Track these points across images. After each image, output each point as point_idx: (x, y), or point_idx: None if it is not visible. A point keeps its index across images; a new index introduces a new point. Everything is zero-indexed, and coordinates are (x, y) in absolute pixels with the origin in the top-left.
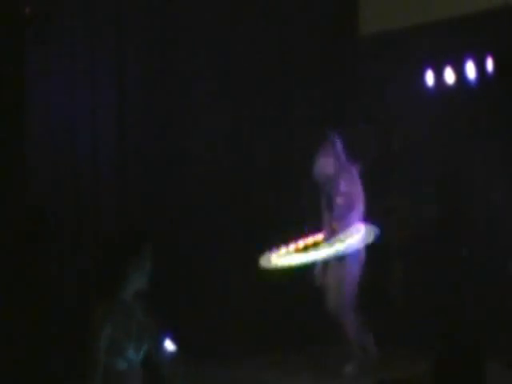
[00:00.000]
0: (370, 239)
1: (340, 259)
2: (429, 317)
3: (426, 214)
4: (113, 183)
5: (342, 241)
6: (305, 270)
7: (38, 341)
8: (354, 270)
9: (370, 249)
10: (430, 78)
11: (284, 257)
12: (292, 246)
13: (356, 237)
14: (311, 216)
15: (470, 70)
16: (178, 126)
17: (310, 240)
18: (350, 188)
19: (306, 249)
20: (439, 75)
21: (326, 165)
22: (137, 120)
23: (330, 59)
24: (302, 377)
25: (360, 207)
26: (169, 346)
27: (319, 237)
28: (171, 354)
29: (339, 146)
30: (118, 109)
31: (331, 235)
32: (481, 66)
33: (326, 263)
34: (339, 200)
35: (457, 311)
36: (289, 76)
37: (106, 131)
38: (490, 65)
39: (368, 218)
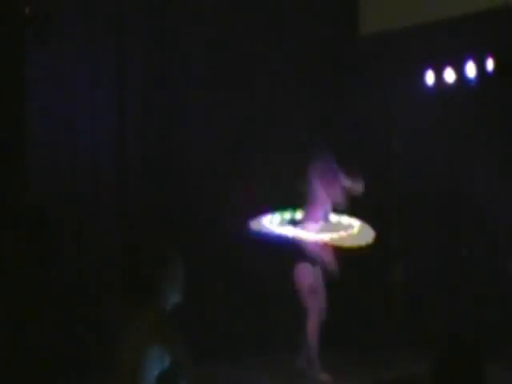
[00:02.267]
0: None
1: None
2: (429, 317)
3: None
4: (113, 183)
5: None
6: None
7: (37, 340)
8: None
9: (371, 249)
10: (430, 77)
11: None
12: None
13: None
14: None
15: (470, 70)
16: (178, 125)
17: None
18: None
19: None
20: (439, 75)
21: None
22: (137, 120)
23: (329, 59)
24: (302, 377)
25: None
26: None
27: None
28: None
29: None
30: (117, 109)
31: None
32: (481, 66)
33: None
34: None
35: (457, 311)
36: (289, 76)
37: (105, 131)
38: (490, 65)
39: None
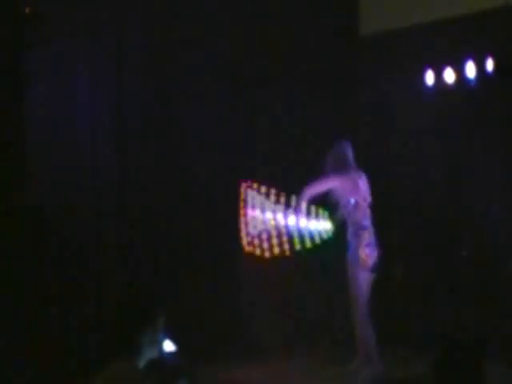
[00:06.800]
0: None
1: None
2: (429, 317)
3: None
4: (113, 183)
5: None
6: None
7: (37, 339)
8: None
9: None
10: (430, 77)
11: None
12: None
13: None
14: None
15: (470, 69)
16: (179, 125)
17: None
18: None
19: None
20: (439, 75)
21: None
22: (137, 120)
23: (330, 59)
24: (302, 377)
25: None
26: (169, 346)
27: None
28: (172, 353)
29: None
30: (117, 109)
31: None
32: (481, 66)
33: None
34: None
35: (457, 311)
36: (289, 76)
37: (105, 131)
38: (489, 65)
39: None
